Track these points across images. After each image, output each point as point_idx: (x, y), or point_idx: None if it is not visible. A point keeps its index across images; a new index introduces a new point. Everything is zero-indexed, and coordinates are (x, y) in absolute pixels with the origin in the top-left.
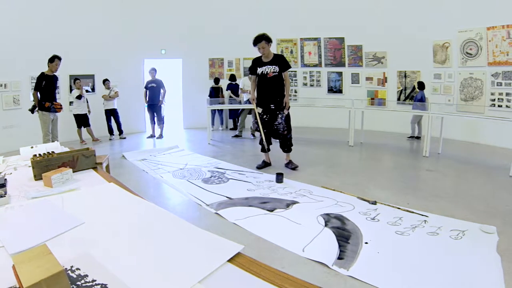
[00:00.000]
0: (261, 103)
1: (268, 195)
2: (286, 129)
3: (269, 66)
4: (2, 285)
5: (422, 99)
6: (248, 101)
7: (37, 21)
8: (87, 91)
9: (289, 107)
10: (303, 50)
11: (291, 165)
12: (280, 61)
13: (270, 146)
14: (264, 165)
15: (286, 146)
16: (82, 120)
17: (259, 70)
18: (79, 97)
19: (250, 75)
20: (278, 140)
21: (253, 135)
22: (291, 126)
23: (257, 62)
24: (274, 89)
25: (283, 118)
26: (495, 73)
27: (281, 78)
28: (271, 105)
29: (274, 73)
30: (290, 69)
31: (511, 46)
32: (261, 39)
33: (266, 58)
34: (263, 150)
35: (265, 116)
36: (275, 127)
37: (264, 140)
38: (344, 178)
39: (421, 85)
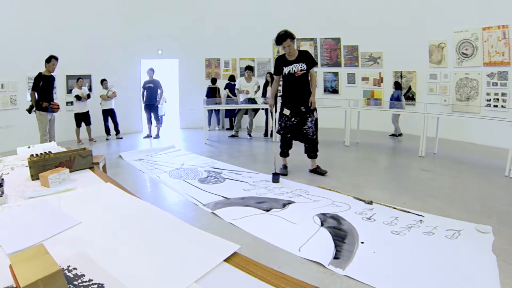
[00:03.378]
0: (289, 105)
1: (265, 195)
2: (315, 133)
3: (296, 65)
4: None
5: (399, 98)
6: (246, 101)
7: (35, 22)
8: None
9: (315, 108)
10: None
11: (320, 170)
12: (307, 58)
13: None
14: (286, 170)
15: (313, 151)
16: (83, 119)
17: (286, 70)
18: (78, 97)
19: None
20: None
21: (250, 135)
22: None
23: (282, 61)
24: (303, 90)
25: (313, 122)
26: (490, 73)
27: (308, 77)
28: (302, 108)
29: (302, 72)
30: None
31: (507, 47)
32: (286, 37)
33: (291, 56)
34: (283, 154)
35: (293, 119)
36: (304, 131)
37: (285, 144)
38: (340, 178)
39: (398, 85)
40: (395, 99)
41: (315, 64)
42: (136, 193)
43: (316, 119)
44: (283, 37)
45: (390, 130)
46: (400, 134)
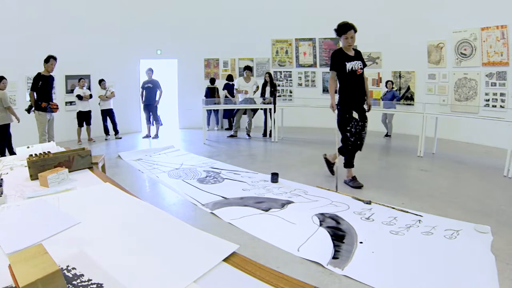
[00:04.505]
0: (355, 106)
1: (263, 195)
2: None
3: (356, 62)
4: None
5: (392, 98)
6: (245, 101)
7: (34, 22)
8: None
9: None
10: (298, 50)
11: (358, 182)
12: (362, 57)
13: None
14: (358, 182)
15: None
16: (85, 118)
17: (349, 66)
18: (79, 97)
19: (331, 72)
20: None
21: (248, 135)
22: None
23: (343, 56)
24: (363, 90)
25: (366, 127)
26: (489, 74)
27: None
28: (364, 110)
29: (361, 70)
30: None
31: (505, 47)
32: (351, 27)
33: (350, 52)
34: (350, 164)
35: (361, 123)
36: (361, 136)
37: (354, 152)
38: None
39: (392, 84)
40: (392, 98)
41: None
42: (135, 193)
43: None
44: (349, 26)
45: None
46: (387, 134)
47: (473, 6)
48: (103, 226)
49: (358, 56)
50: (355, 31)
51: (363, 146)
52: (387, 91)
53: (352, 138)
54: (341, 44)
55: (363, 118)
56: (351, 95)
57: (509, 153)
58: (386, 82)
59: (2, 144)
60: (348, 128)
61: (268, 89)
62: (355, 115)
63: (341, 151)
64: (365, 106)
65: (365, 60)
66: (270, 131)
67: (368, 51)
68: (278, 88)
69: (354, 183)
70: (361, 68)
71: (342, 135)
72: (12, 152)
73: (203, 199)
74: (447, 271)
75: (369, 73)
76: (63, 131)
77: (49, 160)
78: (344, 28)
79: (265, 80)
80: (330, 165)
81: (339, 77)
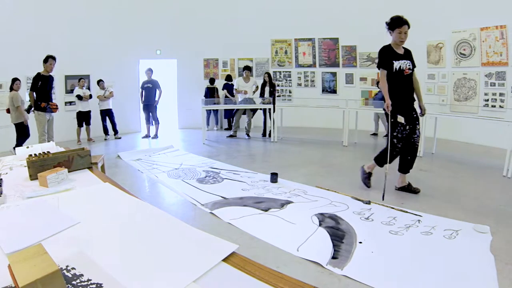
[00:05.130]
0: (402, 110)
1: (263, 195)
2: (418, 143)
3: (405, 61)
4: None
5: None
6: (244, 101)
7: (33, 22)
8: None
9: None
10: (297, 50)
11: (413, 188)
12: (412, 56)
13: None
14: (414, 188)
15: (412, 164)
16: (84, 118)
17: (396, 64)
18: (79, 97)
19: (381, 70)
20: None
21: (248, 135)
22: None
23: (391, 54)
24: (412, 91)
25: (419, 130)
26: (488, 74)
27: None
28: (413, 113)
29: (410, 71)
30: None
31: (505, 47)
32: (406, 22)
33: (399, 50)
34: (403, 170)
35: (407, 127)
36: (412, 140)
37: (399, 156)
38: (338, 178)
39: None
40: (379, 98)
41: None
42: (135, 193)
43: None
44: (403, 20)
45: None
46: (375, 134)
47: (472, 6)
48: (102, 226)
49: (407, 55)
50: (409, 26)
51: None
52: (379, 91)
53: (399, 145)
54: (391, 39)
55: (413, 121)
56: (400, 97)
57: (508, 153)
58: (377, 82)
59: (22, 141)
60: (394, 133)
61: (267, 89)
62: (401, 119)
63: (377, 160)
64: (415, 108)
65: (372, 59)
66: (270, 131)
67: (368, 51)
68: (277, 88)
69: (409, 189)
70: (409, 69)
71: (389, 140)
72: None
73: (202, 199)
74: (447, 271)
75: (368, 73)
76: (62, 131)
77: (48, 160)
78: (399, 22)
79: (264, 80)
80: (365, 175)
81: (386, 76)
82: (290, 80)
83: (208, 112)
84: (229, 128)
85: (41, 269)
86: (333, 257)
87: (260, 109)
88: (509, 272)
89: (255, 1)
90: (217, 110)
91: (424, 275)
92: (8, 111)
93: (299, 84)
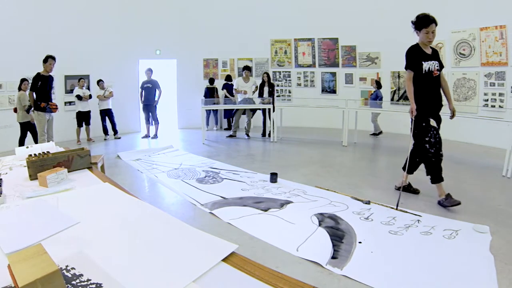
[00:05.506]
0: (432, 113)
1: (262, 195)
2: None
3: (434, 62)
4: None
5: (379, 98)
6: (244, 101)
7: (33, 22)
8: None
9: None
10: (297, 50)
11: (412, 188)
12: (439, 57)
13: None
14: (453, 201)
15: (417, 167)
16: (84, 118)
17: (426, 66)
18: (79, 97)
19: (408, 71)
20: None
21: (247, 135)
22: None
23: (419, 54)
24: (440, 95)
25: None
26: (488, 74)
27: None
28: (441, 116)
29: (438, 72)
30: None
31: (504, 47)
32: (433, 21)
33: (428, 49)
34: (436, 179)
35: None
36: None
37: (435, 164)
38: (338, 178)
39: (379, 84)
40: (374, 98)
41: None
42: (134, 193)
43: None
44: (432, 19)
45: (389, 129)
46: (380, 132)
47: (472, 6)
48: (102, 226)
49: (435, 55)
50: (436, 24)
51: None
52: (374, 91)
53: (432, 150)
54: (418, 39)
55: (439, 126)
56: (428, 100)
57: (508, 153)
58: (376, 82)
59: (35, 139)
60: (426, 138)
61: (266, 89)
62: (433, 123)
63: (408, 168)
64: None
65: (372, 59)
66: (270, 131)
67: (367, 51)
68: (276, 88)
69: (450, 202)
70: (437, 70)
71: (418, 146)
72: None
73: (202, 199)
74: (446, 271)
75: (368, 73)
76: (62, 131)
77: (48, 160)
78: (426, 21)
79: (263, 80)
80: (409, 189)
81: (414, 78)
82: (290, 80)
83: (208, 112)
84: (229, 128)
85: (40, 269)
86: (333, 257)
87: (260, 109)
88: (509, 272)
89: (255, 1)
90: (216, 110)
91: (423, 275)
92: (15, 110)
93: (299, 84)
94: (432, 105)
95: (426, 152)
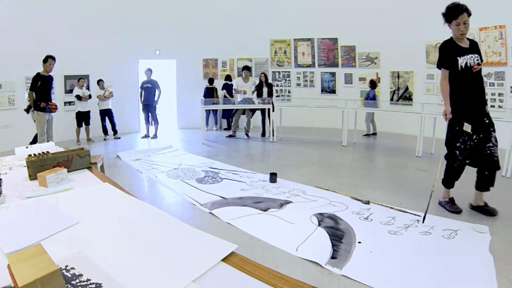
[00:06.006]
0: (469, 116)
1: (262, 195)
2: (497, 154)
3: (472, 55)
4: None
5: (374, 98)
6: (243, 101)
7: (33, 22)
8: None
9: None
10: (296, 50)
11: (490, 209)
12: (479, 49)
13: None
14: (456, 206)
15: (493, 181)
16: (84, 118)
17: (462, 61)
18: (78, 97)
19: (442, 69)
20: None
21: (247, 135)
22: None
23: (454, 48)
24: (482, 92)
25: (495, 138)
26: (487, 74)
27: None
28: (485, 119)
29: (479, 66)
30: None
31: (504, 47)
32: (464, 10)
33: (463, 43)
34: (450, 185)
35: (475, 137)
36: (487, 151)
37: (458, 172)
38: (338, 178)
39: (373, 84)
40: (370, 98)
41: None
42: (134, 193)
43: None
44: (462, 8)
45: (388, 129)
46: (374, 134)
47: (471, 6)
48: (102, 226)
49: (474, 48)
50: (469, 14)
51: (494, 163)
52: (369, 91)
53: (460, 157)
54: (451, 33)
55: (485, 129)
56: (464, 101)
57: (508, 153)
58: (371, 81)
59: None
60: (458, 144)
61: (265, 89)
62: (467, 128)
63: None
64: (488, 112)
65: (371, 59)
66: (272, 130)
67: (367, 51)
68: (276, 88)
69: (451, 207)
70: (478, 64)
71: (448, 150)
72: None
73: (201, 199)
74: (446, 271)
75: (368, 73)
76: (61, 131)
77: (48, 160)
78: (455, 11)
79: (260, 80)
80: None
81: (449, 76)
82: (289, 80)
83: (208, 112)
84: (229, 128)
85: (40, 269)
86: (332, 257)
87: (259, 109)
88: (508, 272)
89: (254, 1)
90: (216, 110)
91: (423, 275)
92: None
93: (298, 84)
94: (471, 106)
95: (454, 158)
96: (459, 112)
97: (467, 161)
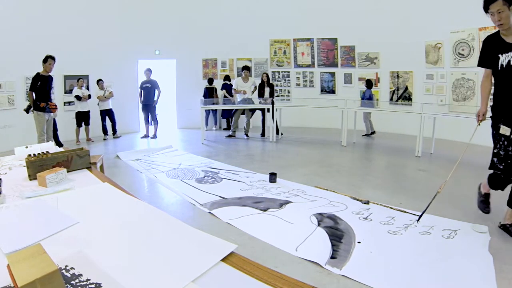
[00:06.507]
0: (508, 118)
1: (262, 194)
2: None
3: None
4: None
5: (370, 97)
6: (243, 101)
7: (32, 22)
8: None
9: None
10: (296, 50)
11: None
12: None
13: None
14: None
15: None
16: (84, 118)
17: (504, 59)
18: (78, 97)
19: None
20: None
21: (247, 135)
22: None
23: (496, 44)
24: None
25: None
26: None
27: None
28: None
29: None
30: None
31: None
32: None
33: (509, 38)
34: (496, 186)
35: None
36: None
37: (502, 182)
38: (337, 178)
39: (369, 84)
40: (367, 98)
41: None
42: (134, 193)
43: None
44: None
45: (387, 129)
46: (373, 132)
47: (470, 6)
48: (101, 226)
49: None
50: (506, 2)
51: None
52: (365, 90)
53: (500, 166)
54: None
55: None
56: (504, 102)
57: None
58: (367, 80)
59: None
60: (495, 150)
61: (267, 89)
62: (505, 130)
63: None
64: None
65: (371, 59)
66: (277, 130)
67: (366, 51)
68: (275, 88)
69: (481, 203)
70: None
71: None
72: (58, 143)
73: (201, 199)
74: (445, 271)
75: (367, 73)
76: (61, 131)
77: (47, 160)
78: (484, 0)
79: (262, 80)
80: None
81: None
82: (289, 80)
83: (207, 112)
84: (228, 128)
85: (40, 269)
86: (332, 257)
87: (259, 109)
88: (508, 272)
89: (254, 1)
90: (216, 110)
91: (422, 275)
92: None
93: (298, 84)
94: (509, 107)
95: (495, 168)
96: (498, 114)
97: (510, 169)
